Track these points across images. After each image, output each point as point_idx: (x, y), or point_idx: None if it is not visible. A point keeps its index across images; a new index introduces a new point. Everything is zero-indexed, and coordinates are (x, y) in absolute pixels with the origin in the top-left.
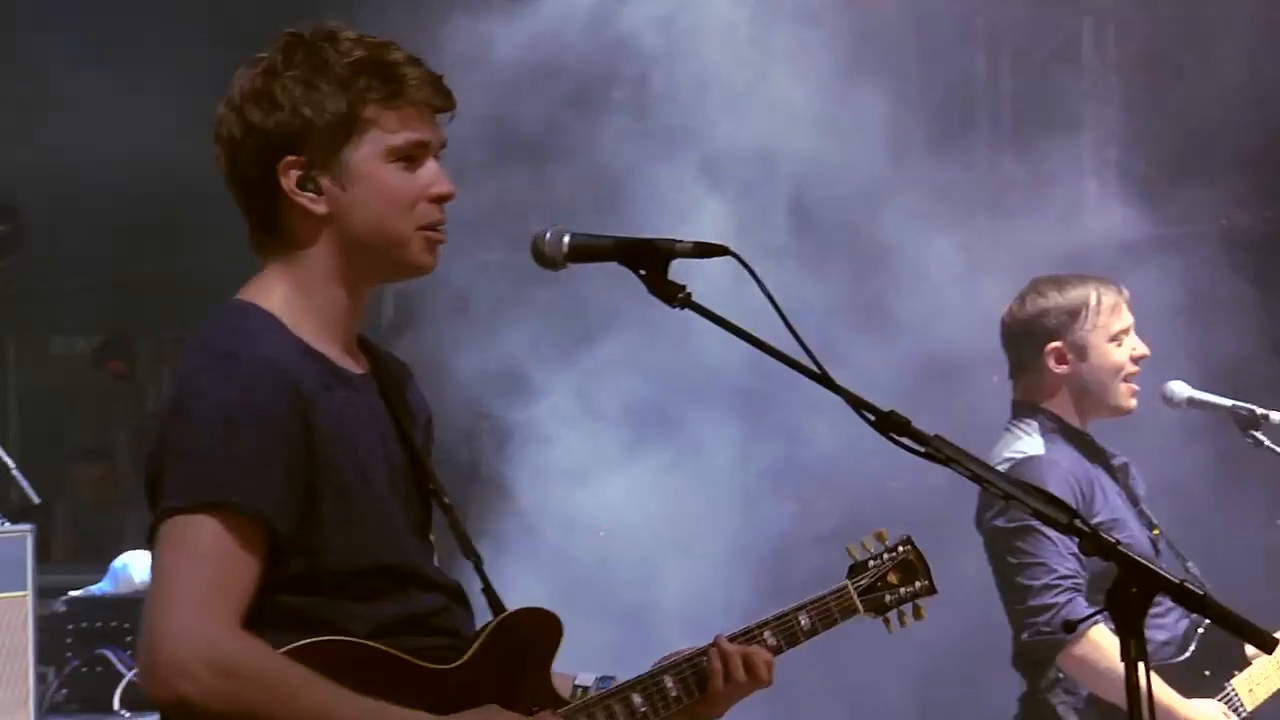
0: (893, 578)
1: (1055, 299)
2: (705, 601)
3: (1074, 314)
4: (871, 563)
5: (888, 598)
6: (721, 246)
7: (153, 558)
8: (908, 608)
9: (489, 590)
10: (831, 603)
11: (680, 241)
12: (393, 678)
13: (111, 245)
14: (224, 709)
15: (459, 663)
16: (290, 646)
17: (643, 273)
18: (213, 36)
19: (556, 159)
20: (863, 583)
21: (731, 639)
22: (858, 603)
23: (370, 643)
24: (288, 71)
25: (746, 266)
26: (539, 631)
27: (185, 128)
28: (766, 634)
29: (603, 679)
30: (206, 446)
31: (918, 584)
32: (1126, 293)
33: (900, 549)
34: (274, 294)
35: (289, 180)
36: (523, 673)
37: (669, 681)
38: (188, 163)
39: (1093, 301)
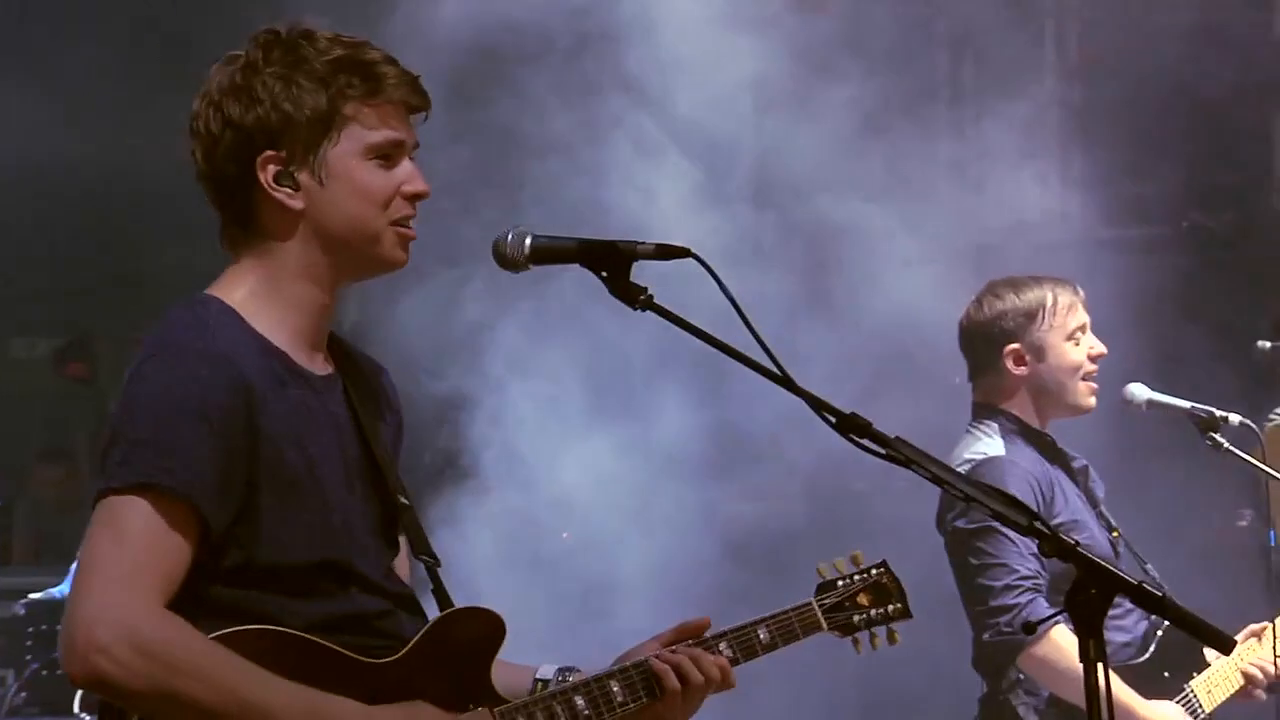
0: (863, 599)
1: (1012, 301)
2: (666, 574)
3: (1031, 315)
4: (840, 583)
5: (855, 618)
6: (683, 249)
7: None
8: (880, 630)
9: (439, 590)
10: (794, 618)
11: (642, 243)
12: (322, 668)
13: (73, 247)
14: (141, 686)
15: (392, 658)
16: (218, 633)
17: (604, 275)
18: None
19: (507, 132)
20: (827, 601)
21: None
22: (821, 620)
23: (299, 633)
24: (268, 68)
25: (709, 269)
26: (479, 630)
27: (146, 128)
28: (722, 645)
29: (564, 670)
30: (144, 432)
31: (890, 607)
32: (1082, 292)
33: (873, 571)
34: (239, 289)
35: (267, 175)
36: (460, 670)
37: (615, 686)
38: (150, 164)
39: (1049, 302)
